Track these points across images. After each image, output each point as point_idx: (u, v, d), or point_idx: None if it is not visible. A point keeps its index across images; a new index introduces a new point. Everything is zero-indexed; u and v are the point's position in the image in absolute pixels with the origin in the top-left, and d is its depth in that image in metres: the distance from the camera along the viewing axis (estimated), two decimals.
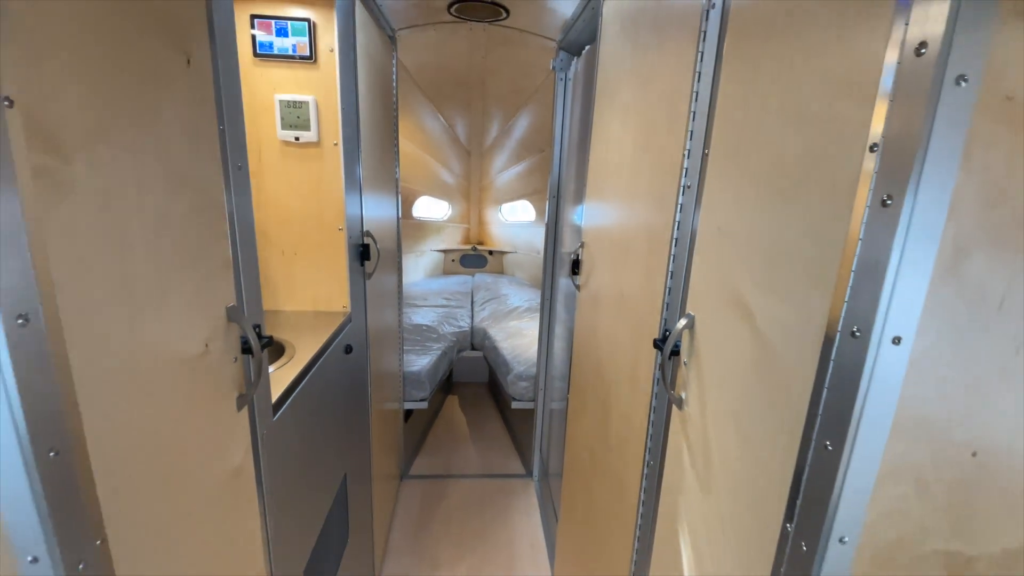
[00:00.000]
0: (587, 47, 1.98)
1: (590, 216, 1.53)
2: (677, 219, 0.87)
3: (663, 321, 0.92)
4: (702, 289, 0.78)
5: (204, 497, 0.69)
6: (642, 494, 0.98)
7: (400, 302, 2.63)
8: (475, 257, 5.31)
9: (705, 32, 0.78)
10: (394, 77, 2.06)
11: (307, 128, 1.32)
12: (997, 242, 0.43)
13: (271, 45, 1.25)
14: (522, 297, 4.18)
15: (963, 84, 0.39)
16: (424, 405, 2.76)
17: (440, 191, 4.94)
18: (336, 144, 1.35)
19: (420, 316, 3.63)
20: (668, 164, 0.90)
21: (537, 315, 3.57)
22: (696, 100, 0.81)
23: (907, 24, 0.41)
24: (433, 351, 3.04)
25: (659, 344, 0.89)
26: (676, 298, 0.87)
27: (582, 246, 1.62)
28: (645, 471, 0.97)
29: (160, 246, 0.58)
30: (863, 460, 0.47)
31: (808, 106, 0.54)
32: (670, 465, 0.88)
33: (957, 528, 0.52)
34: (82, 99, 0.46)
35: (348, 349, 1.47)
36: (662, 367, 0.88)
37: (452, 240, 5.29)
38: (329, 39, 1.26)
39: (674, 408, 0.87)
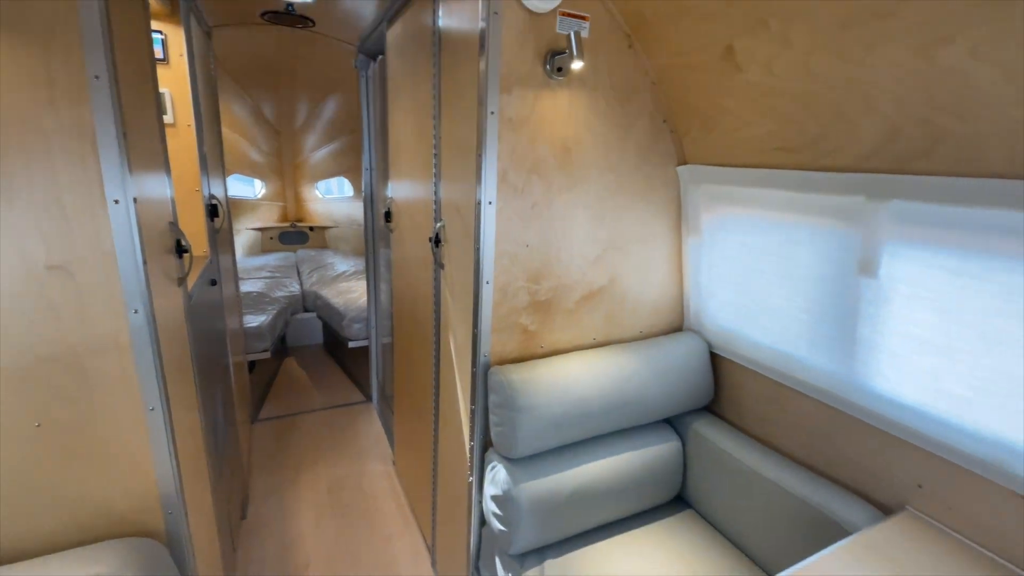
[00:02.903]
0: (380, 56, 2.63)
1: (395, 181, 2.23)
2: (434, 171, 1.63)
3: (433, 229, 1.69)
4: (445, 203, 1.56)
5: (173, 318, 1.22)
6: (434, 328, 1.76)
7: (235, 270, 2.96)
8: (295, 234, 5.53)
9: (435, 70, 1.55)
10: (213, 68, 2.43)
11: (165, 112, 1.72)
12: (516, 166, 1.28)
13: None
14: (348, 264, 4.66)
15: (493, 114, 1.21)
16: (268, 354, 3.16)
17: (250, 169, 5.03)
18: (190, 125, 1.78)
19: (248, 286, 3.88)
20: (429, 144, 1.65)
21: (364, 276, 4.12)
22: (434, 105, 1.57)
23: (477, 89, 1.22)
24: (268, 311, 3.41)
25: (431, 240, 1.66)
26: (438, 214, 1.65)
27: (391, 200, 2.32)
28: (434, 317, 1.75)
29: (149, 180, 1.11)
30: (487, 248, 1.29)
31: (465, 109, 1.33)
32: (443, 302, 1.67)
33: (529, 276, 1.39)
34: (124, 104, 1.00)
35: (213, 282, 1.93)
36: (434, 253, 1.65)
37: (268, 218, 5.41)
38: (178, 46, 1.70)
39: (440, 272, 1.65)
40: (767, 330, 1.42)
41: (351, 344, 3.42)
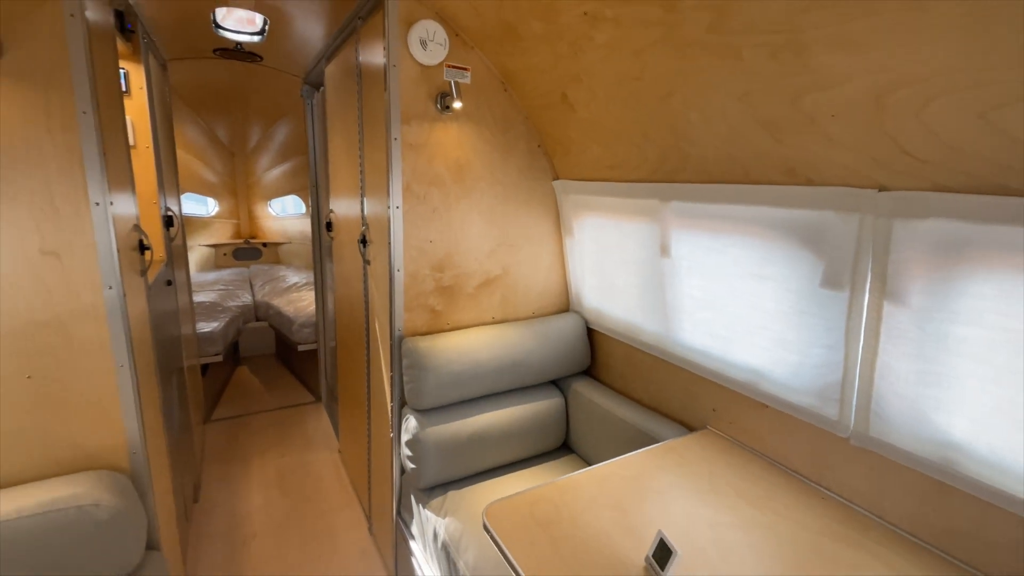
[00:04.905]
0: (322, 87, 2.98)
1: (334, 197, 2.57)
2: (361, 185, 1.99)
3: (360, 231, 2.03)
4: (368, 211, 1.92)
5: (137, 298, 1.51)
6: (365, 317, 2.08)
7: (189, 281, 3.19)
8: (249, 250, 5.71)
9: (359, 103, 1.91)
10: (168, 96, 2.72)
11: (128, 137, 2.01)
12: (418, 180, 1.65)
13: None
14: (300, 276, 4.89)
15: (396, 140, 1.58)
16: (219, 358, 3.37)
17: (204, 188, 5.23)
18: (148, 147, 2.07)
19: (201, 296, 4.07)
20: (356, 164, 2.01)
21: (313, 287, 4.37)
22: (359, 132, 1.93)
23: (384, 121, 1.59)
24: (221, 318, 3.62)
25: (359, 241, 2.00)
26: (364, 220, 1.99)
27: (332, 213, 2.65)
28: (364, 307, 2.08)
29: (119, 190, 1.41)
30: (397, 244, 1.65)
31: (379, 136, 1.70)
32: (370, 292, 2.00)
33: (434, 266, 1.75)
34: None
35: (168, 282, 2.20)
36: (361, 252, 2.00)
37: (222, 235, 5.59)
38: (138, 80, 2.00)
39: (367, 267, 1.99)
40: (619, 306, 1.83)
41: (300, 347, 3.66)
